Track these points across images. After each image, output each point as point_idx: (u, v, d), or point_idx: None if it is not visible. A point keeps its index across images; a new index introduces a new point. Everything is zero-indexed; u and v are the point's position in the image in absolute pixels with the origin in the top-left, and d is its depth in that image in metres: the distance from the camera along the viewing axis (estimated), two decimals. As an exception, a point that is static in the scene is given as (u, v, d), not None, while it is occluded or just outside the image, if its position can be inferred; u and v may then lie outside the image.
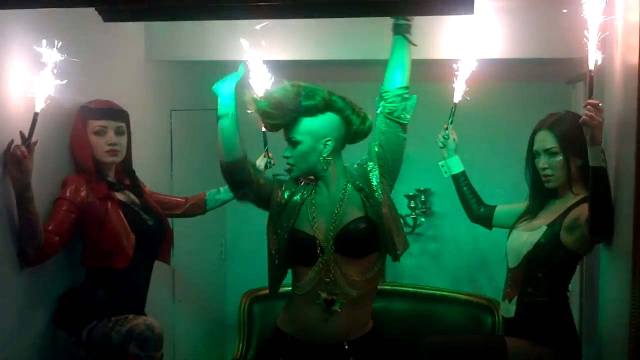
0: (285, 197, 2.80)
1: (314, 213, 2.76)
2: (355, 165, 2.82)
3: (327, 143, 2.71)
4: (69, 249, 3.08)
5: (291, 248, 2.77)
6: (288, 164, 2.75)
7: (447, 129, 3.50)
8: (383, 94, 2.79)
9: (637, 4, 2.32)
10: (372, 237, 2.74)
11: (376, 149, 2.79)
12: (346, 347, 2.79)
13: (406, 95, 2.78)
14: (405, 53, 2.77)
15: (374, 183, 2.76)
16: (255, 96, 2.73)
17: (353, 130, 2.74)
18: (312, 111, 2.68)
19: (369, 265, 2.76)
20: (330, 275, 2.71)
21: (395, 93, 2.77)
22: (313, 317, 2.75)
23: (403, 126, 2.79)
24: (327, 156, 2.72)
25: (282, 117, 2.69)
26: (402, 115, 2.78)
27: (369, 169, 2.78)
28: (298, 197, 2.80)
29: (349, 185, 2.77)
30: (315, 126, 2.70)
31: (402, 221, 4.43)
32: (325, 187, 2.79)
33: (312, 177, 2.80)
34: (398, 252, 2.76)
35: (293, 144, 2.72)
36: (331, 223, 2.73)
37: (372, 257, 2.77)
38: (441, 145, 3.52)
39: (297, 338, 2.81)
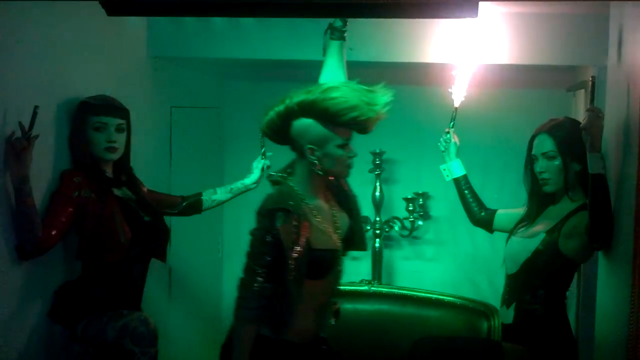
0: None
1: (324, 225, 2.70)
2: None
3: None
4: (66, 242, 3.07)
5: (314, 265, 2.63)
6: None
7: (448, 132, 3.51)
8: None
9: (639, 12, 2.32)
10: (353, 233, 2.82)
11: None
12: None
13: None
14: (340, 58, 2.94)
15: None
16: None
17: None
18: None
19: None
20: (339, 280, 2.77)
21: None
22: (320, 324, 2.76)
23: None
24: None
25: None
26: None
27: None
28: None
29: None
30: None
31: (400, 224, 4.50)
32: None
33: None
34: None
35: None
36: (336, 229, 2.73)
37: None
38: (443, 148, 3.52)
39: (292, 341, 2.70)
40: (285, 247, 2.54)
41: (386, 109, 2.56)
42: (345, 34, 2.93)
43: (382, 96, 2.56)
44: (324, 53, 2.98)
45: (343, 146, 2.61)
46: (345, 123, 2.55)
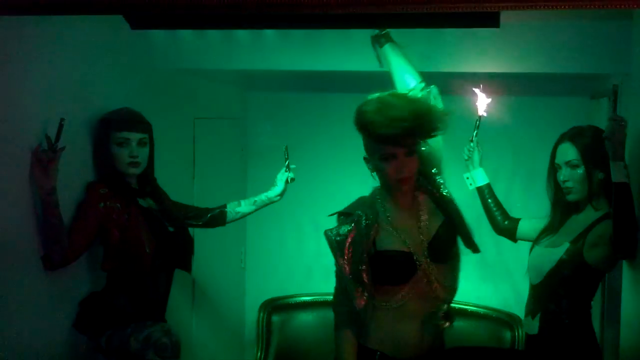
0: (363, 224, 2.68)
1: (398, 227, 2.68)
2: None
3: None
4: (91, 253, 3.10)
5: (383, 267, 2.64)
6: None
7: (472, 141, 3.50)
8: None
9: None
10: (455, 238, 2.72)
11: (423, 149, 2.70)
12: (443, 347, 2.76)
13: (427, 88, 2.79)
14: (401, 55, 2.84)
15: (439, 182, 2.74)
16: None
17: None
18: None
19: (456, 267, 2.74)
20: (432, 287, 2.63)
21: (418, 89, 2.78)
22: (408, 331, 2.67)
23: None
24: None
25: None
26: (437, 104, 2.74)
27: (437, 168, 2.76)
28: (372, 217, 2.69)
29: (417, 192, 2.73)
30: None
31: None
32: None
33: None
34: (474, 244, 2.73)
35: None
36: (419, 233, 2.67)
37: (456, 259, 2.74)
38: (466, 157, 3.52)
39: (385, 354, 2.69)
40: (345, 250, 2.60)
41: (405, 124, 2.46)
42: (389, 35, 2.89)
43: (402, 111, 2.48)
44: (381, 64, 2.96)
45: (385, 159, 2.57)
46: (373, 137, 2.52)
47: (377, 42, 2.94)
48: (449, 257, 2.70)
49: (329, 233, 2.64)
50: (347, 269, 2.60)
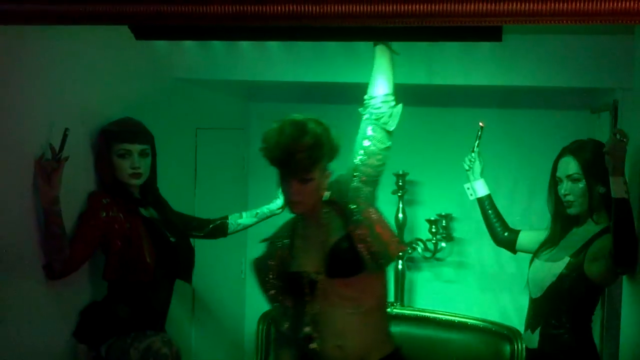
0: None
1: (306, 247, 2.78)
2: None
3: None
4: (92, 263, 3.10)
5: (291, 288, 2.78)
6: None
7: (473, 152, 3.51)
8: (369, 101, 2.73)
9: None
10: (355, 252, 2.66)
11: (360, 157, 2.70)
12: None
13: (392, 103, 2.73)
14: (388, 61, 2.76)
15: (350, 208, 2.70)
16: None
17: None
18: None
19: (366, 279, 2.71)
20: (332, 301, 2.70)
21: (382, 100, 2.71)
22: (326, 348, 2.73)
23: (389, 133, 2.72)
24: None
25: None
26: (389, 122, 2.71)
27: (348, 184, 2.73)
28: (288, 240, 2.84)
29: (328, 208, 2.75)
30: None
31: (423, 245, 4.49)
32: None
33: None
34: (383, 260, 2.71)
35: None
36: (322, 251, 2.71)
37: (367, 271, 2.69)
38: (467, 167, 3.53)
39: None
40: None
41: (283, 153, 2.56)
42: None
43: (287, 139, 2.56)
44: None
45: (281, 181, 2.67)
46: (266, 159, 2.63)
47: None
48: (351, 271, 2.68)
49: (255, 262, 2.84)
50: (270, 293, 2.79)
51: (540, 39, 3.66)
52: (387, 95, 2.72)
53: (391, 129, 2.72)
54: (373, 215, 2.69)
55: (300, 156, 2.55)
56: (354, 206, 2.68)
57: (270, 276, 2.78)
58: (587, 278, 2.98)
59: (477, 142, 3.51)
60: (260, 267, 2.82)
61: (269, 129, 2.62)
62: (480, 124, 3.48)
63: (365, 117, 2.73)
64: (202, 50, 3.90)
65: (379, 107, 2.70)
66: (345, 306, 2.69)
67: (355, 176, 2.70)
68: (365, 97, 2.75)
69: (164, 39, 3.31)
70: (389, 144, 2.72)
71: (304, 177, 2.60)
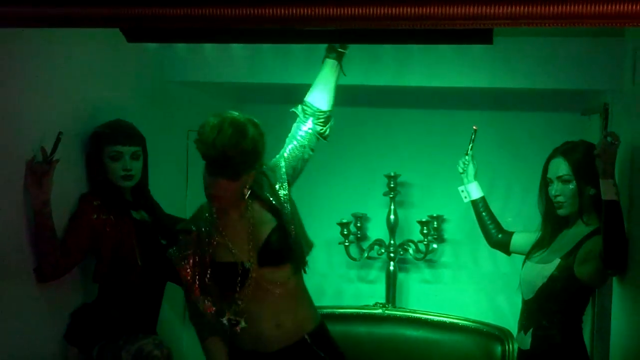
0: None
1: (230, 238, 2.81)
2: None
3: None
4: (84, 265, 3.09)
5: (220, 278, 2.82)
6: None
7: (467, 154, 3.52)
8: (316, 112, 2.92)
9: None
10: (287, 242, 2.82)
11: (291, 161, 2.91)
12: (307, 339, 2.88)
13: (331, 117, 2.97)
14: (336, 77, 2.95)
15: (282, 193, 2.85)
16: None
17: None
18: None
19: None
20: (265, 288, 2.80)
21: (327, 115, 2.95)
22: (267, 329, 2.83)
23: (324, 139, 2.97)
24: None
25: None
26: (327, 134, 2.97)
27: (277, 179, 2.86)
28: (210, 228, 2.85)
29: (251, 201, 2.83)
30: None
31: (414, 247, 4.50)
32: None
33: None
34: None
35: None
36: (249, 242, 2.80)
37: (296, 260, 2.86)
38: (461, 170, 3.53)
39: (258, 351, 2.87)
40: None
41: (211, 149, 2.63)
42: (343, 56, 2.95)
43: (218, 134, 2.63)
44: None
45: (208, 175, 2.72)
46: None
47: (329, 52, 2.97)
48: (283, 259, 2.82)
49: (172, 252, 2.82)
50: (192, 282, 2.78)
51: (531, 41, 3.67)
52: (330, 110, 2.96)
53: (327, 140, 2.99)
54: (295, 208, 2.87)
55: (236, 160, 2.62)
56: (275, 199, 2.82)
57: (193, 266, 2.79)
58: (577, 279, 2.99)
59: (470, 145, 3.52)
60: (180, 258, 2.81)
61: (207, 123, 2.67)
62: (474, 127, 3.49)
63: (304, 123, 2.94)
64: (193, 52, 3.90)
65: (324, 122, 2.94)
66: (276, 289, 2.80)
67: (282, 158, 2.89)
68: (314, 107, 2.93)
69: (156, 42, 3.31)
70: (312, 151, 2.96)
71: (233, 178, 2.67)
